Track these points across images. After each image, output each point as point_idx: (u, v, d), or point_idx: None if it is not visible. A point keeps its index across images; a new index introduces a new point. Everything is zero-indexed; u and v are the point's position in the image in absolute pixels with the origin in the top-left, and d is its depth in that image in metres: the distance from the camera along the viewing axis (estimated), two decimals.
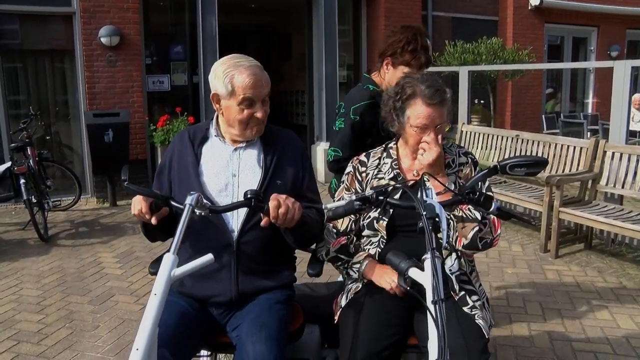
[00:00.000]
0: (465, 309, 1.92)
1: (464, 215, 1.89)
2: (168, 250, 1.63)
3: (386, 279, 1.91)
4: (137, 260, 4.75)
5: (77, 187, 6.56)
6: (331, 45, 8.19)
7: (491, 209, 1.76)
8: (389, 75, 2.56)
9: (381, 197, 1.70)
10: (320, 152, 8.12)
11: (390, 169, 2.06)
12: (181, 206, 1.70)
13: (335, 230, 2.06)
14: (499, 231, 1.94)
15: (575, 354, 3.08)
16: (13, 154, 5.81)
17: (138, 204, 1.78)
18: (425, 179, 1.98)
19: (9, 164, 5.48)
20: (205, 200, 1.76)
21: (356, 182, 2.11)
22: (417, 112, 1.94)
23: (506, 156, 5.55)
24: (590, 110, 11.28)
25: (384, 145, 2.17)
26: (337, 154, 2.59)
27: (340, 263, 2.06)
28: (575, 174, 4.87)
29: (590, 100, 11.50)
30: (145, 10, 7.23)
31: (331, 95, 8.28)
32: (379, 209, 1.95)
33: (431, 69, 8.28)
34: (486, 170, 1.81)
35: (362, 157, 2.16)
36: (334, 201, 2.09)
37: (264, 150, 2.02)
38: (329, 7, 8.10)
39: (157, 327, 1.49)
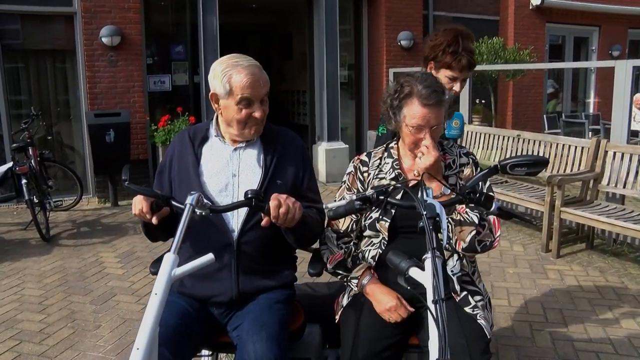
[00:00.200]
0: (467, 309, 1.92)
1: (462, 219, 1.89)
2: (169, 250, 1.63)
3: (384, 304, 1.90)
4: (138, 260, 4.75)
5: (79, 187, 6.56)
6: (332, 45, 8.19)
7: (492, 209, 1.76)
8: (439, 79, 2.52)
9: (382, 197, 1.70)
10: (322, 152, 8.12)
11: (391, 169, 2.06)
12: (182, 206, 1.70)
13: (335, 235, 2.06)
14: (499, 232, 1.93)
15: (577, 354, 3.07)
16: (15, 154, 5.83)
17: (139, 203, 1.78)
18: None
19: (10, 164, 5.49)
20: (205, 200, 1.76)
21: (358, 182, 2.10)
22: (413, 111, 1.93)
23: (507, 156, 5.55)
24: (591, 110, 11.26)
25: (384, 145, 2.17)
26: None
27: (339, 277, 2.06)
28: (577, 174, 4.87)
29: (591, 100, 11.48)
30: (146, 10, 7.23)
31: (332, 95, 8.27)
32: (380, 209, 1.95)
33: None
34: (487, 170, 1.80)
35: (364, 157, 2.15)
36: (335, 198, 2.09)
37: (264, 150, 2.02)
38: (330, 6, 8.10)
39: (157, 327, 1.49)
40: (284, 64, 10.73)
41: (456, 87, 2.44)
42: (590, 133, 9.63)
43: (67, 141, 7.36)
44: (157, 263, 2.06)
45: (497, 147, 6.03)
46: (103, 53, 6.81)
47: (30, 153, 5.64)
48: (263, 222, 1.77)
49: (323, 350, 2.23)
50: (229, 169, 1.98)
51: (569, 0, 10.43)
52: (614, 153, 4.72)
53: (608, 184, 4.74)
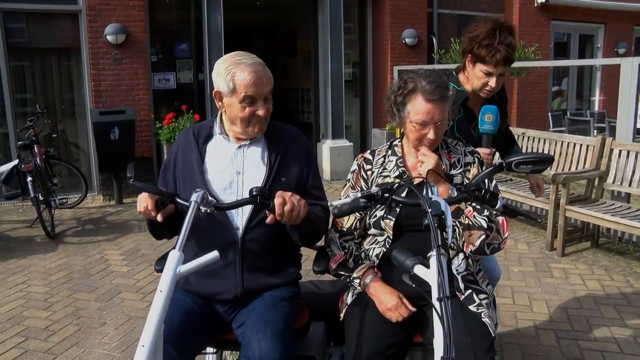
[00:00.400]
0: (472, 307, 1.92)
1: (471, 223, 1.88)
2: (173, 248, 1.64)
3: (385, 303, 1.90)
4: (143, 258, 4.77)
5: (84, 184, 6.59)
6: (337, 43, 8.18)
7: (497, 207, 1.75)
8: (470, 74, 2.39)
9: (386, 195, 1.70)
10: (326, 150, 8.11)
11: (395, 167, 2.05)
12: (187, 203, 1.70)
13: (338, 235, 2.06)
14: (507, 234, 1.94)
15: (582, 353, 3.07)
16: (20, 151, 5.85)
17: (144, 201, 1.78)
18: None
19: (16, 161, 5.51)
20: (210, 198, 1.76)
21: (362, 180, 2.10)
22: (417, 107, 1.92)
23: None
24: (596, 108, 11.21)
25: (388, 143, 2.17)
26: None
27: (342, 278, 2.06)
28: (582, 172, 4.85)
29: (597, 98, 11.43)
30: (150, 8, 7.25)
31: (337, 93, 8.27)
32: (385, 208, 1.95)
33: (436, 66, 8.25)
34: (492, 168, 1.80)
35: (367, 155, 2.15)
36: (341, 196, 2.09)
37: (268, 148, 2.02)
38: (335, 4, 8.09)
39: (162, 324, 1.49)
40: (288, 62, 10.72)
41: (491, 82, 2.31)
42: (595, 131, 9.60)
43: (72, 139, 7.38)
44: (162, 260, 2.06)
45: None
46: (108, 51, 6.83)
47: (36, 151, 5.67)
48: (268, 220, 1.77)
49: (327, 348, 2.24)
50: (234, 167, 1.98)
51: None
52: (620, 151, 4.70)
53: (613, 182, 4.72)
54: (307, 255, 2.19)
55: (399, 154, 2.08)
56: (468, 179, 2.02)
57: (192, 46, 7.81)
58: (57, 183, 6.07)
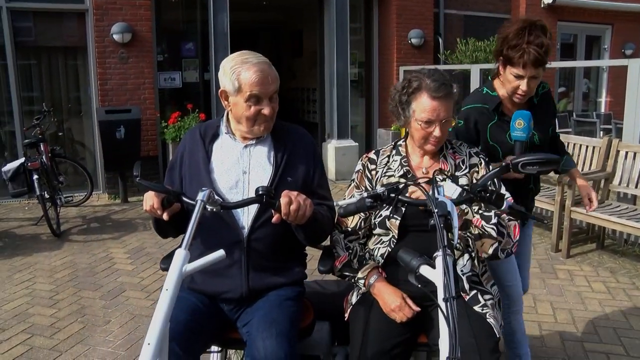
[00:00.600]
0: (477, 307, 1.92)
1: (480, 232, 1.89)
2: (179, 246, 1.64)
3: (389, 304, 1.90)
4: (148, 256, 4.78)
5: (89, 183, 6.62)
6: (343, 43, 8.18)
7: (503, 207, 1.75)
8: (502, 78, 2.26)
9: (393, 195, 1.70)
10: (332, 150, 8.11)
11: (399, 166, 2.05)
12: (193, 202, 1.70)
13: (342, 236, 2.06)
14: (517, 237, 1.94)
15: (587, 355, 3.06)
16: (27, 150, 5.88)
17: (150, 199, 1.79)
18: (437, 177, 1.98)
19: (22, 159, 5.54)
20: (216, 197, 1.76)
21: (366, 179, 2.10)
22: (422, 105, 1.93)
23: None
24: (603, 109, 11.16)
25: (393, 143, 2.17)
26: None
27: (347, 279, 2.06)
28: (588, 174, 4.83)
29: (603, 99, 11.38)
30: (157, 8, 7.27)
31: (342, 93, 8.27)
32: (391, 207, 1.94)
33: (442, 67, 8.21)
34: (498, 169, 1.79)
35: (372, 155, 2.15)
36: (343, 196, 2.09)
37: (275, 147, 2.02)
38: (341, 4, 8.09)
39: (168, 322, 1.50)
40: (294, 62, 10.73)
41: (523, 86, 2.17)
42: (601, 132, 9.55)
43: (78, 137, 7.41)
44: (167, 259, 2.06)
45: None
46: (114, 50, 6.85)
47: (42, 149, 5.70)
48: (274, 219, 1.77)
49: (332, 348, 2.23)
50: (240, 166, 1.99)
51: None
52: (626, 153, 4.68)
53: (619, 184, 4.70)
54: (312, 254, 2.19)
55: (403, 154, 2.09)
56: (476, 179, 2.02)
57: (198, 46, 7.83)
58: (62, 181, 6.10)
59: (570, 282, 4.10)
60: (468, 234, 1.90)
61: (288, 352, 1.71)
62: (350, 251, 2.05)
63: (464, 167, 2.04)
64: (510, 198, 1.97)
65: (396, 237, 1.98)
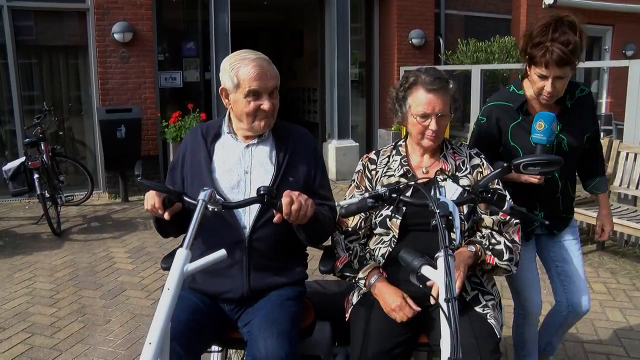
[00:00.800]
0: (477, 308, 1.92)
1: (495, 266, 1.97)
2: (181, 246, 1.64)
3: (389, 303, 1.90)
4: (148, 256, 4.78)
5: (90, 182, 6.61)
6: (343, 43, 8.18)
7: (504, 208, 1.75)
8: (530, 77, 2.13)
9: (394, 195, 1.70)
10: (332, 149, 8.11)
11: (399, 166, 2.06)
12: (194, 202, 1.70)
13: (343, 236, 2.07)
14: (521, 242, 2.02)
15: (587, 356, 3.06)
16: (27, 149, 5.88)
17: (151, 199, 1.79)
18: (438, 178, 1.99)
19: (23, 158, 5.54)
20: (218, 197, 1.76)
21: (366, 179, 2.11)
22: (418, 99, 1.95)
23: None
24: (604, 110, 11.16)
25: (393, 144, 2.17)
26: None
27: (347, 279, 2.06)
28: None
29: (604, 100, 11.38)
30: (158, 7, 7.27)
31: (343, 93, 8.27)
32: (392, 207, 1.95)
33: (442, 67, 8.18)
34: (500, 169, 1.79)
35: (372, 155, 2.16)
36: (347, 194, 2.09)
37: (276, 147, 2.02)
38: (342, 4, 8.09)
39: (170, 322, 1.50)
40: (294, 62, 10.73)
41: (547, 86, 2.04)
42: (602, 134, 9.55)
43: (78, 136, 7.41)
44: (168, 259, 2.06)
45: None
46: (115, 49, 6.85)
47: (43, 148, 5.70)
48: (275, 219, 1.77)
49: (333, 348, 2.23)
50: (241, 166, 1.99)
51: None
52: (627, 154, 4.68)
53: (620, 185, 4.70)
54: (312, 254, 2.19)
55: (403, 153, 2.09)
56: (478, 180, 2.02)
57: (199, 45, 7.83)
58: (63, 180, 6.10)
59: None
60: (481, 271, 1.99)
61: (289, 352, 1.71)
62: (350, 252, 2.05)
63: (464, 168, 2.04)
64: (511, 200, 1.96)
65: (397, 236, 1.98)
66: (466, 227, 1.96)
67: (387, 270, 2.01)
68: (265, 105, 1.91)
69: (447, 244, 1.43)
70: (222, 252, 1.60)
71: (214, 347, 2.17)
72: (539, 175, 2.01)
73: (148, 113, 7.06)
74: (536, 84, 2.08)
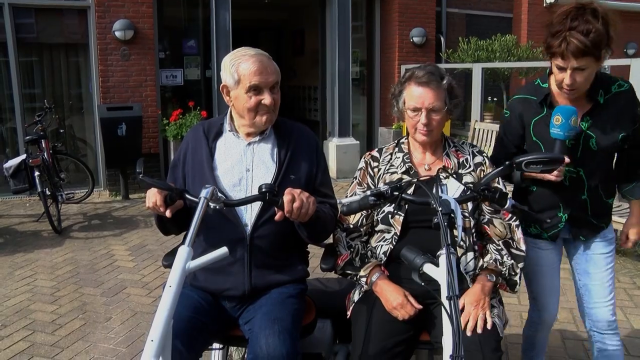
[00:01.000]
0: None
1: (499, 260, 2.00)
2: (182, 243, 1.64)
3: (391, 301, 1.90)
4: (149, 254, 4.78)
5: (90, 180, 6.62)
6: (344, 41, 8.17)
7: (506, 206, 1.75)
8: (552, 68, 2.01)
9: (396, 193, 1.70)
10: (333, 148, 8.11)
11: (402, 163, 2.06)
12: (196, 199, 1.71)
13: (344, 234, 2.07)
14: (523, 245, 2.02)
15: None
16: (28, 146, 5.88)
17: (153, 196, 1.79)
18: (440, 175, 1.99)
19: (23, 156, 5.54)
20: (219, 194, 1.76)
21: (368, 177, 2.11)
22: (411, 93, 1.98)
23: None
24: None
25: (396, 142, 2.18)
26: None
27: (349, 277, 2.07)
28: None
29: None
30: (159, 5, 7.26)
31: (344, 91, 8.27)
32: (395, 206, 1.95)
33: (443, 65, 8.15)
34: (501, 167, 1.79)
35: (375, 153, 2.17)
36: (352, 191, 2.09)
37: (278, 145, 2.02)
38: (343, 2, 8.08)
39: (171, 319, 1.50)
40: (295, 60, 10.73)
41: (566, 79, 1.91)
42: None
43: (79, 134, 7.41)
44: (169, 256, 2.07)
45: None
46: (116, 47, 6.85)
47: (43, 146, 5.70)
48: (276, 217, 1.77)
49: (334, 346, 2.24)
50: (243, 164, 1.99)
51: None
52: None
53: None
54: (313, 252, 2.19)
55: (406, 151, 2.10)
56: (480, 177, 2.02)
57: (199, 43, 7.83)
58: (64, 178, 6.10)
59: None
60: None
61: (291, 350, 1.72)
62: (352, 249, 2.05)
63: (467, 165, 2.05)
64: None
65: (398, 234, 1.98)
66: (472, 224, 1.96)
67: (389, 268, 2.01)
68: (267, 99, 1.91)
69: (449, 242, 1.43)
70: (224, 250, 1.60)
71: (215, 345, 2.17)
72: (540, 172, 1.98)
73: (149, 111, 7.06)
74: (556, 76, 1.96)
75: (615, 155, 2.19)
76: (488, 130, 6.38)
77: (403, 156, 2.08)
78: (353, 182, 2.16)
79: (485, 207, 2.00)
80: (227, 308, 1.98)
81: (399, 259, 1.71)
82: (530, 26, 9.80)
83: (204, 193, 1.68)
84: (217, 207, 1.72)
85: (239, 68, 1.89)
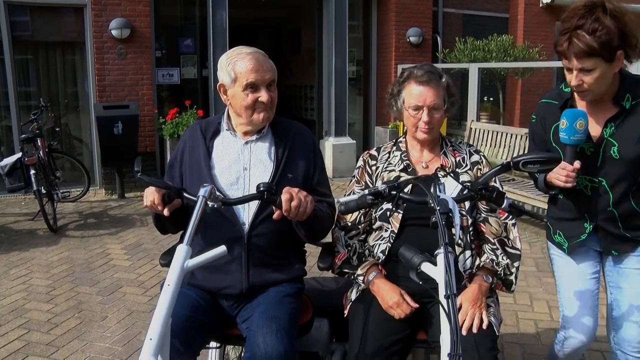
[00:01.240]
0: None
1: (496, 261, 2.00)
2: (180, 242, 1.64)
3: (387, 300, 1.91)
4: (145, 252, 4.77)
5: (86, 178, 6.60)
6: (341, 40, 8.17)
7: (503, 206, 1.76)
8: None
9: (394, 192, 1.70)
10: (329, 147, 8.11)
11: (400, 161, 2.08)
12: (194, 198, 1.70)
13: (343, 232, 2.08)
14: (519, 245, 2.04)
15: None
16: (23, 145, 5.86)
17: (150, 195, 1.78)
18: (438, 174, 1.99)
19: (19, 154, 5.52)
20: (217, 193, 1.76)
21: (366, 175, 2.13)
22: (410, 92, 2.00)
23: (515, 154, 5.52)
24: None
25: (394, 140, 2.19)
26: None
27: (346, 276, 2.07)
28: None
29: None
30: (155, 3, 7.25)
31: (340, 91, 8.27)
32: (393, 204, 1.96)
33: (440, 65, 8.16)
34: (499, 167, 1.79)
35: (373, 152, 2.18)
36: (347, 192, 2.10)
37: (275, 144, 2.02)
38: (340, 1, 8.09)
39: (170, 318, 1.50)
40: (292, 59, 10.73)
41: (572, 80, 1.82)
42: None
43: (75, 133, 7.39)
44: (167, 255, 2.07)
45: (505, 145, 6.00)
46: (112, 45, 6.83)
47: (39, 144, 5.68)
48: (274, 215, 1.77)
49: (331, 344, 2.24)
50: (240, 163, 1.99)
51: None
52: None
53: None
54: (310, 251, 2.19)
55: (403, 149, 2.12)
56: (478, 177, 2.03)
57: (196, 42, 7.82)
58: (59, 176, 6.09)
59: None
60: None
61: (288, 348, 1.72)
62: (349, 248, 2.06)
63: (464, 165, 2.06)
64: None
65: (396, 231, 1.99)
66: (469, 223, 1.98)
67: (387, 267, 2.02)
68: (264, 97, 1.92)
69: (447, 240, 1.44)
70: (222, 249, 1.60)
71: (212, 344, 2.17)
72: (537, 172, 1.98)
73: (145, 110, 7.05)
74: (566, 77, 1.86)
75: None
76: (484, 130, 6.39)
77: (401, 154, 2.09)
78: (352, 180, 2.17)
79: (482, 206, 2.01)
80: (224, 306, 1.98)
81: (397, 257, 1.71)
82: (527, 26, 9.82)
83: (202, 192, 1.68)
84: (215, 205, 1.72)
85: (236, 66, 1.90)
